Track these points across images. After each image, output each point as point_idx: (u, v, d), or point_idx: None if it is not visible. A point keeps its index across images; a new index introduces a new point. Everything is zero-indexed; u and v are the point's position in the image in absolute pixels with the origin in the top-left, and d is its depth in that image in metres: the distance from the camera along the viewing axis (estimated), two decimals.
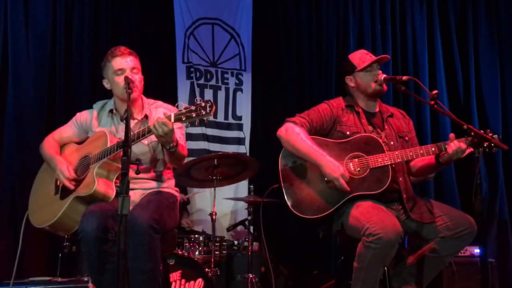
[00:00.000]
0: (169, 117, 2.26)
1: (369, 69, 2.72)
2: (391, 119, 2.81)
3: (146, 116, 2.64)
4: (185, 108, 2.24)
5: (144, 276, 2.33)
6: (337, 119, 2.72)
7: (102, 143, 2.49)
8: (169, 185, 2.70)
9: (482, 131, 2.41)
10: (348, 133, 2.68)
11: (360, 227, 2.39)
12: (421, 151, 2.56)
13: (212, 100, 2.24)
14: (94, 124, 2.69)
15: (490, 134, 2.43)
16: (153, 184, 2.64)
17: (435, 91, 2.49)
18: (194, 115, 2.20)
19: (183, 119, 2.23)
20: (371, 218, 2.37)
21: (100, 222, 2.31)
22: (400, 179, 2.64)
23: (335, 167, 2.48)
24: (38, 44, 4.14)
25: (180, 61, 4.65)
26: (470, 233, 2.50)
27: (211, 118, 2.26)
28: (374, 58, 2.74)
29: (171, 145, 2.36)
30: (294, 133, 2.61)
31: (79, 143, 2.76)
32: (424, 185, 4.57)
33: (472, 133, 2.40)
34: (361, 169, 2.56)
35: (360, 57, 2.76)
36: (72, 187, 2.51)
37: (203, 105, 2.19)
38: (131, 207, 2.39)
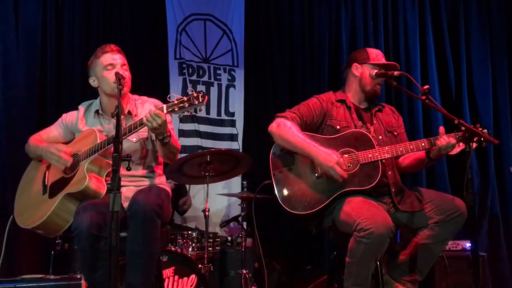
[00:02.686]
0: (161, 109, 2.26)
1: (379, 68, 2.73)
2: (380, 114, 2.83)
3: (129, 112, 2.63)
4: (177, 99, 2.25)
5: (142, 260, 2.34)
6: (327, 113, 2.73)
7: (92, 141, 2.47)
8: (161, 181, 2.71)
9: (472, 126, 2.42)
10: (338, 127, 2.69)
11: (351, 223, 2.40)
12: (411, 146, 2.57)
13: (204, 91, 2.25)
14: (80, 124, 2.68)
15: (480, 129, 2.44)
16: (145, 181, 2.63)
17: (426, 86, 2.51)
18: (186, 105, 2.21)
19: (176, 109, 2.24)
20: (362, 213, 2.38)
21: (94, 219, 2.30)
22: (389, 172, 2.66)
23: (329, 156, 2.49)
24: (29, 41, 4.09)
25: (172, 57, 4.63)
26: (461, 215, 2.50)
27: (203, 109, 2.27)
28: (388, 62, 2.77)
29: (165, 135, 2.37)
30: (286, 128, 2.61)
31: (65, 143, 2.73)
32: (416, 179, 4.59)
33: (463, 128, 2.41)
34: (352, 165, 2.57)
35: (377, 54, 2.79)
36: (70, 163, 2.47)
37: (195, 95, 2.21)
38: (125, 203, 2.40)
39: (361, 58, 2.78)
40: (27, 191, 2.70)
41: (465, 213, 2.50)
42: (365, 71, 2.76)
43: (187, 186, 4.32)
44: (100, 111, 2.66)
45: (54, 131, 2.77)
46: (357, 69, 2.78)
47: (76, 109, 2.75)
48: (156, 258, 2.46)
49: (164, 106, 2.27)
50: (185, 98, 2.22)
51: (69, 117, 2.74)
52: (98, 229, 2.30)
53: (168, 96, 2.29)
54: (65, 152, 2.52)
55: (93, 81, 2.66)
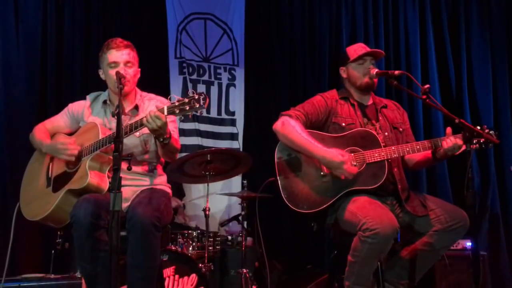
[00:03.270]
0: (162, 110, 2.25)
1: (361, 61, 2.74)
2: (385, 110, 2.82)
3: (136, 107, 2.62)
4: (178, 101, 2.23)
5: (142, 273, 2.32)
6: (332, 111, 2.73)
7: (94, 135, 2.47)
8: (162, 181, 2.69)
9: (478, 127, 2.41)
10: (343, 124, 2.68)
11: (356, 222, 2.39)
12: (418, 147, 2.57)
13: (205, 93, 2.23)
14: (86, 113, 2.68)
15: (487, 130, 2.43)
16: (146, 180, 2.61)
17: (427, 86, 2.50)
18: (187, 108, 2.19)
19: (177, 112, 2.22)
20: (367, 213, 2.37)
21: (93, 209, 2.29)
22: (395, 169, 2.65)
23: (335, 154, 2.48)
24: (29, 38, 4.09)
25: (173, 56, 4.63)
26: (463, 226, 2.50)
27: (204, 111, 2.25)
28: (368, 50, 2.75)
29: (165, 137, 2.36)
30: (290, 126, 2.61)
31: (69, 134, 2.73)
32: (417, 179, 4.60)
33: (462, 125, 2.40)
34: (358, 164, 2.56)
35: (356, 49, 2.78)
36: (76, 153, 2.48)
37: (196, 97, 2.18)
38: (124, 204, 2.39)
39: (343, 61, 2.81)
40: (32, 182, 2.71)
41: (467, 225, 2.50)
42: (350, 71, 2.78)
43: (183, 203, 4.32)
44: (108, 102, 2.67)
45: (59, 120, 2.77)
46: (344, 72, 2.82)
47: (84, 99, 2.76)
48: (157, 270, 2.44)
49: (165, 107, 2.25)
50: (186, 100, 2.20)
51: (75, 107, 2.74)
52: (95, 217, 2.28)
53: (169, 97, 2.28)
54: (69, 143, 2.51)
55: (101, 74, 2.67)
